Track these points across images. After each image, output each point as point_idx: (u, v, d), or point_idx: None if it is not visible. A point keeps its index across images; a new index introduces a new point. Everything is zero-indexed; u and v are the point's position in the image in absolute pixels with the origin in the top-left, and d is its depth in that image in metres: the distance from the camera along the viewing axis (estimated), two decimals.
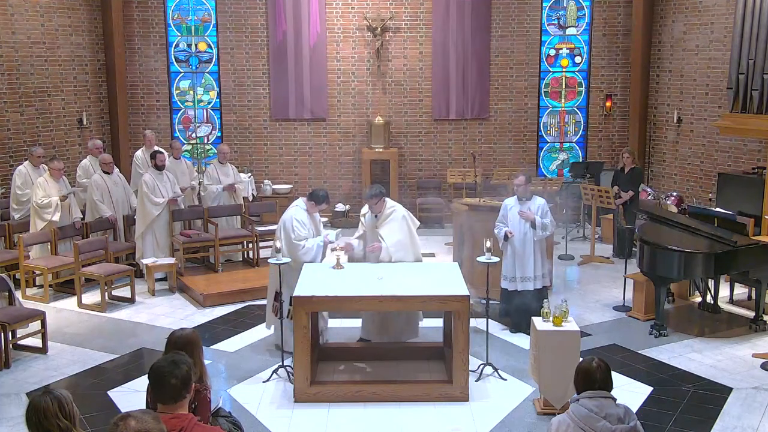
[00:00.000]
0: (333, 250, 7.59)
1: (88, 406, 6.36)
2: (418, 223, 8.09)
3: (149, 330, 8.42)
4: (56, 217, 9.74)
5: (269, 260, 7.21)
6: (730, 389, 6.82)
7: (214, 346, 7.86)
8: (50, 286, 9.55)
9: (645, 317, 8.56)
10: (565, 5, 13.71)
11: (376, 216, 7.71)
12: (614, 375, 4.01)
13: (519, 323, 8.17)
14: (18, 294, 8.63)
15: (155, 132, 12.45)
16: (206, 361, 4.82)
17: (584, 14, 13.77)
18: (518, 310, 8.13)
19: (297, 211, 7.62)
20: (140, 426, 2.88)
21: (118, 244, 10.36)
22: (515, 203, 8.25)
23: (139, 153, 11.79)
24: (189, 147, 13.91)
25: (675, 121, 12.92)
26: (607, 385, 3.83)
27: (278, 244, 7.11)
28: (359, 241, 7.85)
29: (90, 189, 10.38)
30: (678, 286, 9.23)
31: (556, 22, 13.80)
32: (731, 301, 9.19)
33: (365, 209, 7.91)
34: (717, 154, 12.25)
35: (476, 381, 6.90)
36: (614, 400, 3.81)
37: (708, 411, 6.40)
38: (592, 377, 3.81)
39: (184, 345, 4.14)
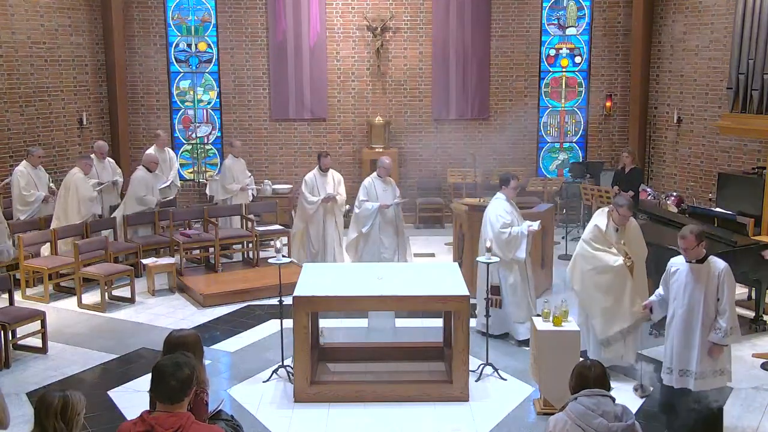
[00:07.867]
0: None
1: (88, 406, 6.21)
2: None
3: (149, 330, 8.42)
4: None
5: (270, 260, 7.21)
6: (730, 389, 6.81)
7: (214, 346, 7.86)
8: (50, 286, 9.55)
9: None
10: (565, 5, 13.71)
11: (617, 229, 6.93)
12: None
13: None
14: (18, 294, 8.63)
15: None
16: (206, 362, 4.80)
17: (584, 14, 13.77)
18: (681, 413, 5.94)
19: (497, 203, 7.94)
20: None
21: (118, 244, 10.36)
22: (684, 266, 5.79)
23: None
24: (189, 147, 13.92)
25: (675, 121, 12.91)
26: (603, 386, 3.84)
27: (278, 244, 7.13)
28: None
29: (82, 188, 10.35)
30: None
31: (556, 22, 13.80)
32: None
33: (604, 221, 6.96)
34: (717, 154, 12.24)
35: (476, 381, 6.90)
36: (613, 399, 3.82)
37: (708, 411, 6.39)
38: (585, 378, 3.85)
39: (181, 347, 4.03)
